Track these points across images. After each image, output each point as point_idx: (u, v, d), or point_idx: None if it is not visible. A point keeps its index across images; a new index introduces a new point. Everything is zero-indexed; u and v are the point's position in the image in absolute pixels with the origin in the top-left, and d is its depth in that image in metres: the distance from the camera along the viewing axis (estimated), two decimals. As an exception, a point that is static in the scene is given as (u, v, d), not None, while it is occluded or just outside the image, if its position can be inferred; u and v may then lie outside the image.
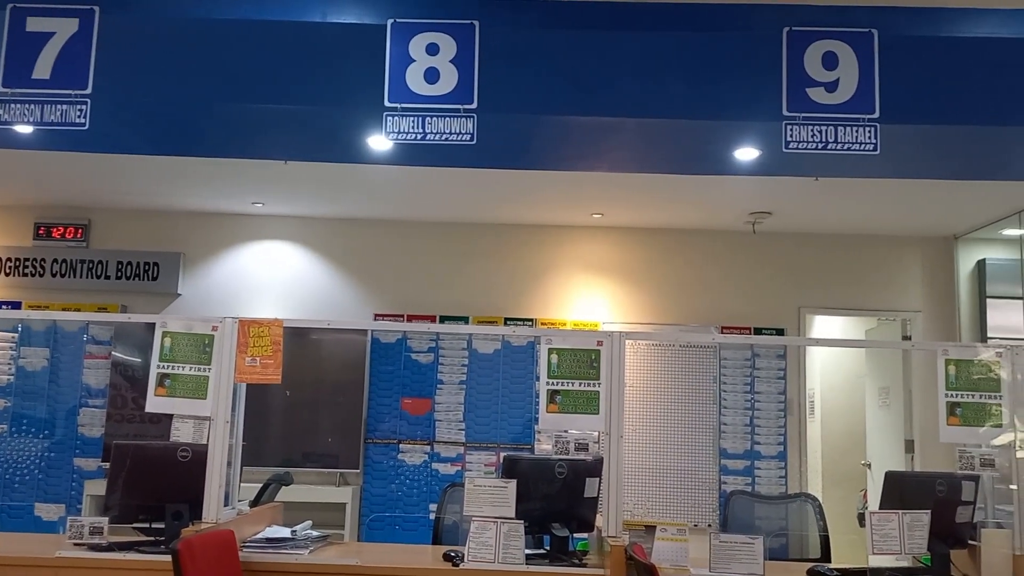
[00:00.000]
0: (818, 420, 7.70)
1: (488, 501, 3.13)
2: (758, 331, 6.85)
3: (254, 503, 3.87)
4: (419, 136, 3.25)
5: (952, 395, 3.11)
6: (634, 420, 6.60)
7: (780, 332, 6.89)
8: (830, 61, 3.15)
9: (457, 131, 3.24)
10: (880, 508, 3.14)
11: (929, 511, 3.06)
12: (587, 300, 7.04)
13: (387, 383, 6.67)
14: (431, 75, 3.26)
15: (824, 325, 7.65)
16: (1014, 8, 3.21)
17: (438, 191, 6.22)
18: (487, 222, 7.01)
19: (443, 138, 3.24)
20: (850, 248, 6.95)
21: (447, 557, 3.21)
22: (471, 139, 3.20)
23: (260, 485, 4.18)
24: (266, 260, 6.97)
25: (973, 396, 3.10)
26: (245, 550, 3.17)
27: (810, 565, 3.38)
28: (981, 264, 6.70)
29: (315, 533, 3.46)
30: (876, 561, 3.31)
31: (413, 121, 3.26)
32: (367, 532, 6.41)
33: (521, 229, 7.05)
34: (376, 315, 6.80)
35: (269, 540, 3.29)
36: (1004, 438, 3.09)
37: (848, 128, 3.12)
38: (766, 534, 4.16)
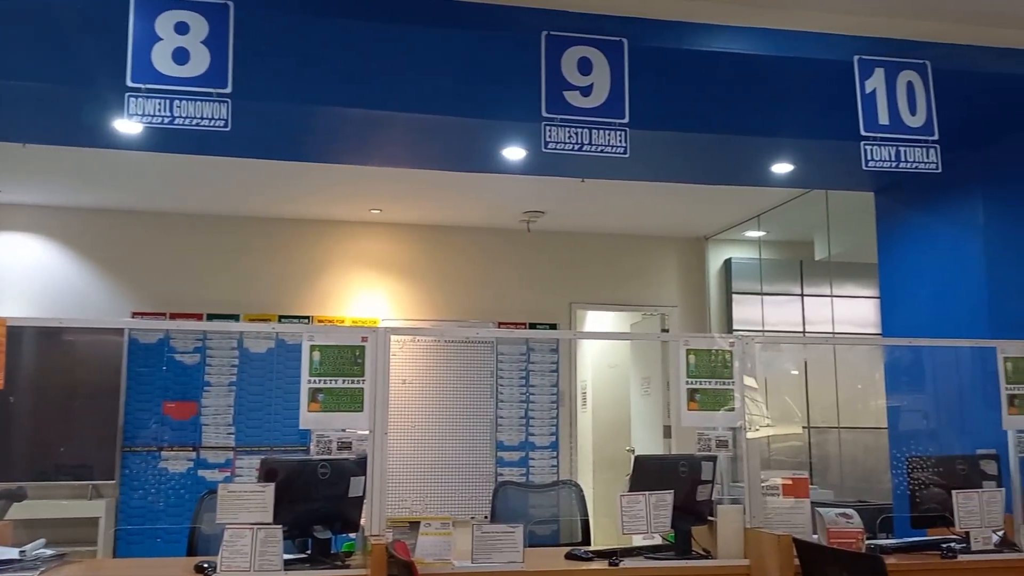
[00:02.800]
0: (590, 410, 8.08)
1: (243, 507, 2.99)
2: (533, 326, 7.08)
3: (-20, 523, 3.47)
4: (167, 120, 3.04)
5: (692, 382, 3.35)
6: (413, 416, 6.60)
7: (553, 327, 7.15)
8: (585, 66, 3.28)
9: (209, 116, 3.06)
10: (630, 490, 3.32)
11: (672, 491, 3.28)
12: (366, 297, 6.95)
13: (147, 387, 6.23)
14: (180, 56, 3.06)
15: (596, 320, 8.03)
16: (752, 26, 3.50)
17: (203, 181, 5.90)
18: (259, 216, 6.74)
19: (194, 123, 3.05)
20: (616, 247, 7.35)
21: (199, 569, 3.03)
22: (224, 125, 3.04)
23: (-10, 503, 3.75)
24: (5, 253, 6.30)
25: (710, 383, 3.36)
26: (-39, 577, 2.83)
27: (569, 549, 3.52)
28: (728, 263, 7.31)
29: (48, 552, 3.15)
30: (627, 540, 3.50)
31: (160, 103, 3.04)
32: (124, 547, 5.96)
33: (296, 223, 6.85)
34: (134, 313, 6.33)
35: (-7, 563, 2.96)
36: (735, 421, 3.37)
37: (601, 131, 3.26)
38: (533, 522, 4.30)
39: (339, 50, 3.40)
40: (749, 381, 3.49)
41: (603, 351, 8.34)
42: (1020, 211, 4.05)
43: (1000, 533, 3.58)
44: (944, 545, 3.52)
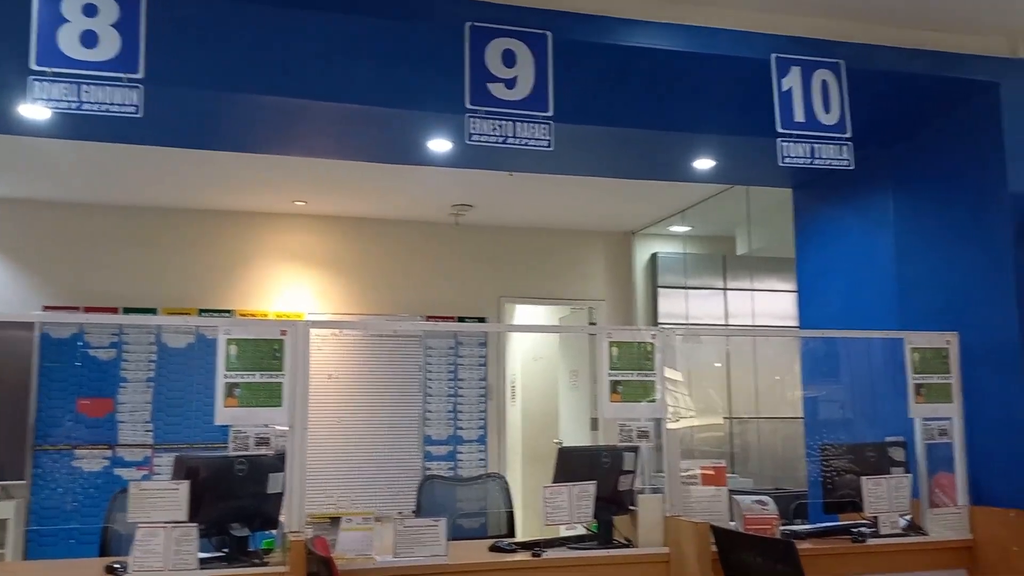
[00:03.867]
0: (519, 404, 8.11)
1: (156, 505, 2.91)
2: (462, 320, 7.07)
3: None
4: (75, 105, 2.93)
5: (615, 374, 3.39)
6: (339, 412, 6.52)
7: (482, 321, 7.15)
8: (509, 59, 3.27)
9: (120, 102, 2.95)
10: (554, 482, 3.34)
11: (595, 482, 3.32)
12: (291, 291, 6.84)
13: (60, 383, 6.01)
14: (88, 39, 2.94)
15: (525, 314, 8.06)
16: (674, 23, 3.54)
17: (119, 171, 5.72)
18: (177, 207, 6.57)
19: (103, 109, 2.94)
20: (544, 241, 7.38)
21: (110, 569, 2.95)
22: (136, 112, 2.93)
23: None
24: (-95, 245, 6.01)
25: (632, 375, 3.40)
26: None
27: (493, 541, 3.52)
28: (654, 257, 7.43)
29: (-51, 556, 3.01)
30: (554, 532, 3.52)
31: (67, 88, 2.92)
32: (35, 549, 5.74)
33: (217, 215, 6.69)
34: (46, 307, 6.10)
35: None
36: (657, 412, 3.42)
37: (525, 124, 3.26)
38: (459, 515, 4.29)
39: (256, 36, 3.32)
40: (672, 374, 3.54)
41: (532, 345, 8.38)
42: (928, 207, 4.20)
43: (908, 517, 3.72)
44: (854, 530, 3.64)
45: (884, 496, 3.63)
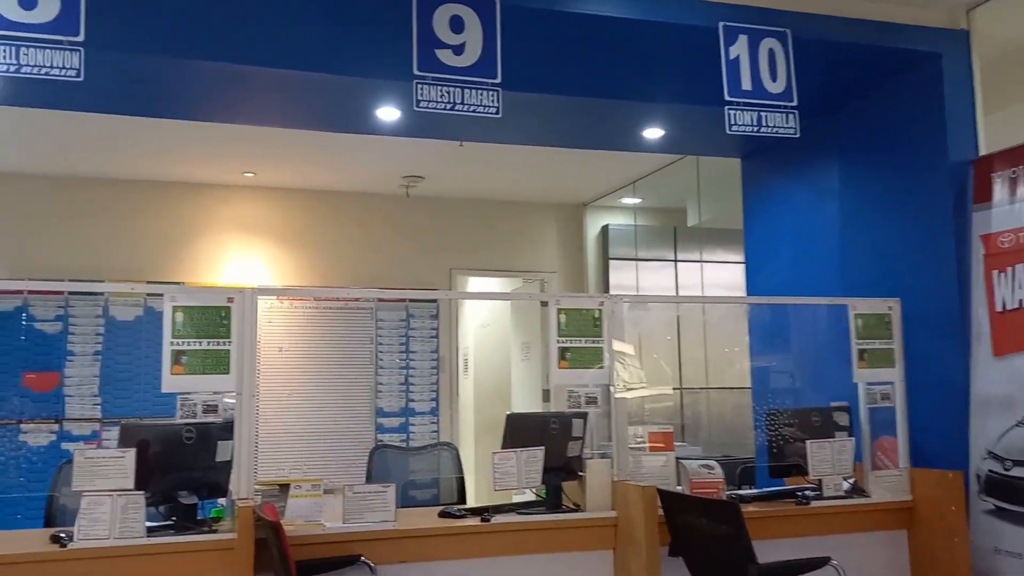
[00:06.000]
0: (471, 376, 8.13)
1: (102, 474, 2.87)
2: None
3: None
4: (13, 68, 2.85)
5: (563, 341, 3.42)
6: (290, 383, 6.48)
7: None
8: (457, 24, 3.25)
9: (60, 65, 2.88)
10: (503, 448, 3.36)
11: (543, 448, 3.35)
12: (242, 263, 6.75)
13: (3, 357, 5.88)
14: (27, 1, 2.87)
15: (478, 286, 8.06)
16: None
17: (63, 140, 5.57)
18: (124, 178, 6.43)
19: (43, 72, 2.87)
20: (496, 213, 7.38)
21: (55, 538, 2.90)
22: (77, 75, 2.87)
23: None
24: None
25: (580, 341, 3.43)
26: None
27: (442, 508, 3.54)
28: (605, 229, 7.47)
29: None
30: (502, 496, 3.56)
31: (5, 51, 2.84)
32: (-21, 526, 5.64)
33: (164, 186, 6.56)
34: (-14, 283, 5.96)
35: None
36: (604, 377, 3.46)
37: (473, 91, 3.24)
38: (410, 486, 4.31)
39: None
40: (621, 346, 3.58)
41: (485, 318, 8.39)
42: (871, 175, 4.28)
43: (851, 480, 3.82)
44: (799, 493, 3.73)
45: (828, 459, 3.71)
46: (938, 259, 3.88)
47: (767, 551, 2.94)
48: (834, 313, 4.05)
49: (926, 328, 3.88)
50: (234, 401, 3.12)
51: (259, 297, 3.18)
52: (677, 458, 3.64)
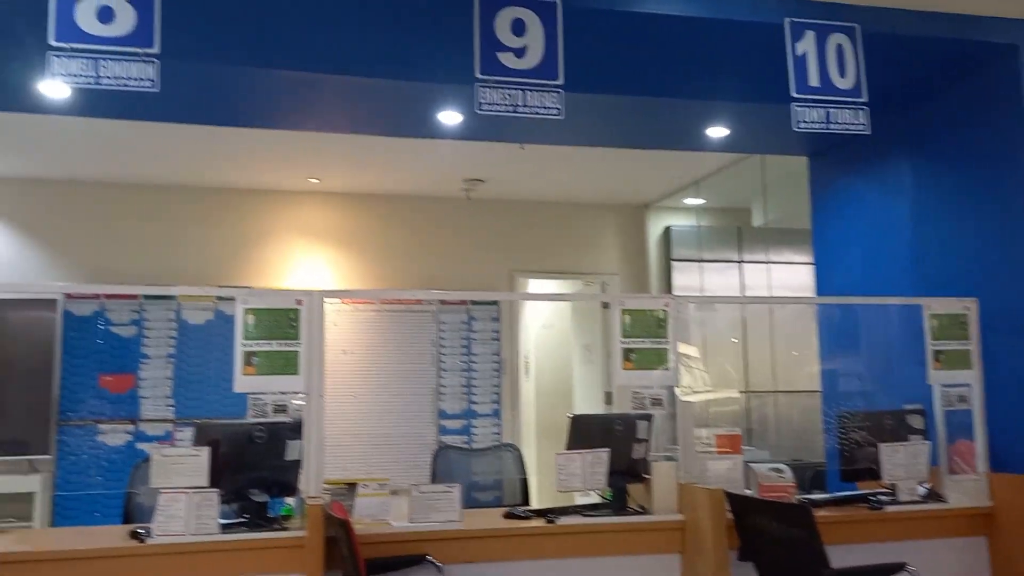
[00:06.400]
0: (533, 379, 8.13)
1: (178, 472, 2.96)
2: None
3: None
4: (92, 80, 2.95)
5: (627, 342, 3.40)
6: (354, 387, 6.57)
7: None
8: (519, 28, 3.26)
9: (137, 77, 2.97)
10: (567, 449, 3.36)
11: (608, 449, 3.33)
12: (307, 267, 6.88)
13: (82, 360, 6.09)
14: (105, 14, 2.97)
15: (538, 289, 8.06)
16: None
17: (136, 149, 5.76)
18: (194, 185, 6.61)
19: (121, 83, 2.97)
20: (556, 215, 7.37)
21: (134, 535, 3.00)
22: (152, 86, 2.96)
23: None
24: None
25: (644, 342, 3.41)
26: None
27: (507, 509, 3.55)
28: (667, 230, 7.40)
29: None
30: (569, 502, 3.55)
31: (85, 63, 2.95)
32: (60, 521, 5.85)
33: (233, 193, 6.72)
34: (67, 295, 6.17)
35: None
36: (669, 379, 3.43)
37: (535, 93, 3.24)
38: (474, 487, 4.32)
39: (268, 10, 3.33)
40: (688, 349, 3.54)
41: (546, 320, 8.39)
42: (944, 173, 4.16)
43: (927, 485, 3.71)
44: (872, 497, 3.64)
45: (902, 463, 3.61)
46: (1017, 257, 3.75)
47: (840, 556, 2.88)
48: (906, 313, 3.95)
49: (1004, 328, 3.76)
50: (302, 402, 3.18)
51: (325, 300, 3.24)
52: (745, 462, 3.58)
